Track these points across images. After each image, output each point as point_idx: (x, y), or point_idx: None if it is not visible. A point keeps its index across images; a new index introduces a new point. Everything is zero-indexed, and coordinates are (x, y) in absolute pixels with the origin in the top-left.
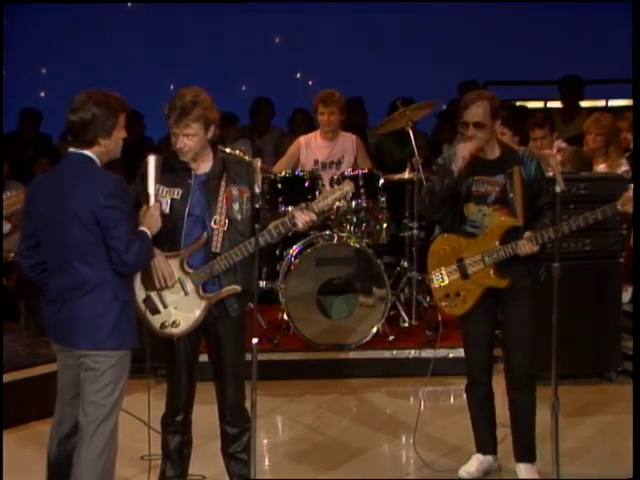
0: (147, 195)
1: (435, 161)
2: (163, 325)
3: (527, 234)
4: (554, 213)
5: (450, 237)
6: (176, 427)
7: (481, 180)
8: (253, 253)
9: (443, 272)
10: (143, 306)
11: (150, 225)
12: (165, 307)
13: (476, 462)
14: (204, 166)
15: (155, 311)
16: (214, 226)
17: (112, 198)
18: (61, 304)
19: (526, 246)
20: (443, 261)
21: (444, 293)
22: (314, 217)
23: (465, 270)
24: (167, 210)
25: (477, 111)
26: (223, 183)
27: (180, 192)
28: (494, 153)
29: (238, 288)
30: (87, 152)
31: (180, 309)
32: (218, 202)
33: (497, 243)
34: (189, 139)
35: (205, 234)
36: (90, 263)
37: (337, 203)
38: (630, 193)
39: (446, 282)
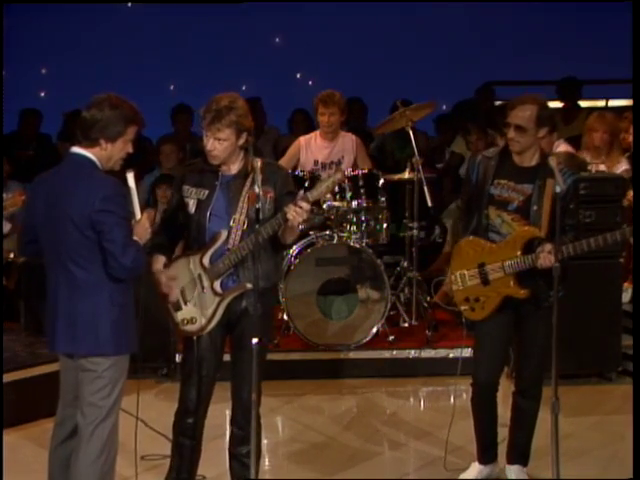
0: (133, 209)
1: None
2: (183, 322)
3: (548, 247)
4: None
5: (475, 240)
6: (185, 429)
7: (507, 185)
8: (270, 249)
9: (465, 275)
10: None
11: (141, 235)
12: (185, 303)
13: (475, 471)
14: (233, 168)
15: (178, 307)
16: (233, 225)
17: (108, 202)
18: (57, 307)
19: (546, 259)
20: (466, 264)
21: (464, 296)
22: (306, 206)
23: (486, 276)
24: (192, 210)
25: (522, 114)
26: (247, 183)
27: (206, 193)
28: (531, 161)
29: (249, 285)
30: (89, 153)
31: (197, 305)
32: (239, 201)
33: (519, 252)
34: (220, 143)
35: (223, 232)
36: (84, 266)
37: (329, 193)
38: None
39: (467, 285)
